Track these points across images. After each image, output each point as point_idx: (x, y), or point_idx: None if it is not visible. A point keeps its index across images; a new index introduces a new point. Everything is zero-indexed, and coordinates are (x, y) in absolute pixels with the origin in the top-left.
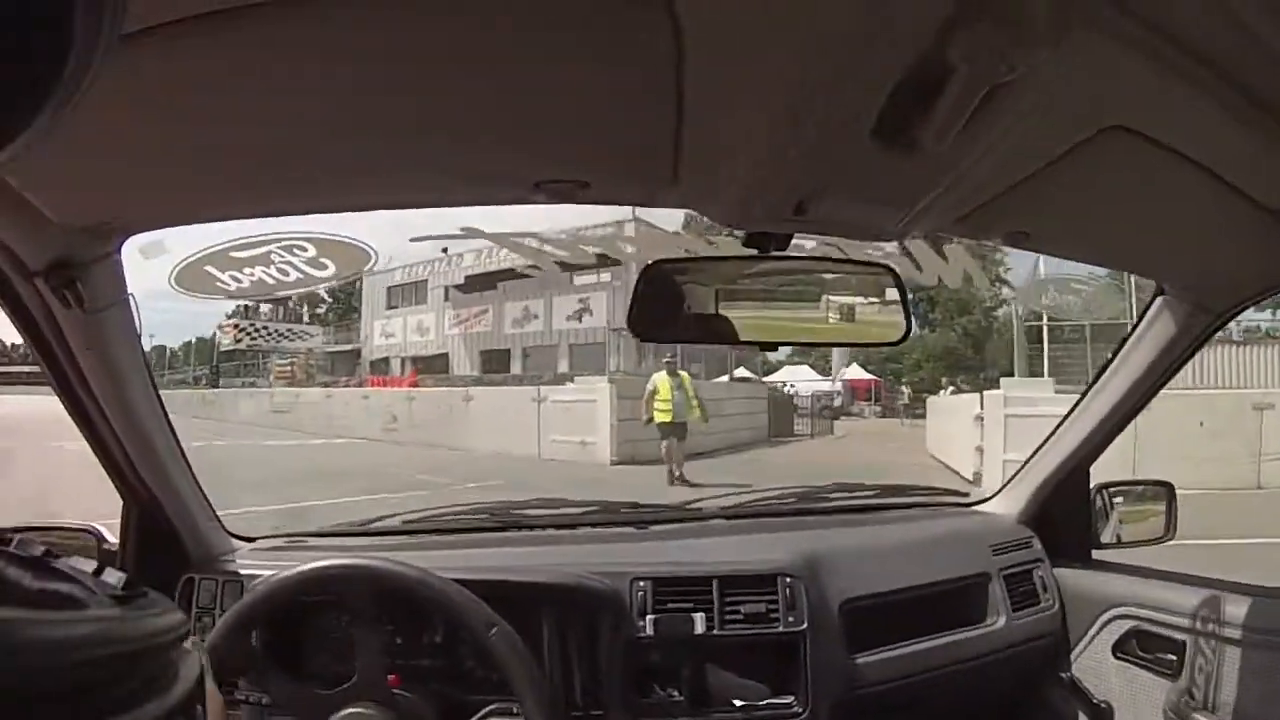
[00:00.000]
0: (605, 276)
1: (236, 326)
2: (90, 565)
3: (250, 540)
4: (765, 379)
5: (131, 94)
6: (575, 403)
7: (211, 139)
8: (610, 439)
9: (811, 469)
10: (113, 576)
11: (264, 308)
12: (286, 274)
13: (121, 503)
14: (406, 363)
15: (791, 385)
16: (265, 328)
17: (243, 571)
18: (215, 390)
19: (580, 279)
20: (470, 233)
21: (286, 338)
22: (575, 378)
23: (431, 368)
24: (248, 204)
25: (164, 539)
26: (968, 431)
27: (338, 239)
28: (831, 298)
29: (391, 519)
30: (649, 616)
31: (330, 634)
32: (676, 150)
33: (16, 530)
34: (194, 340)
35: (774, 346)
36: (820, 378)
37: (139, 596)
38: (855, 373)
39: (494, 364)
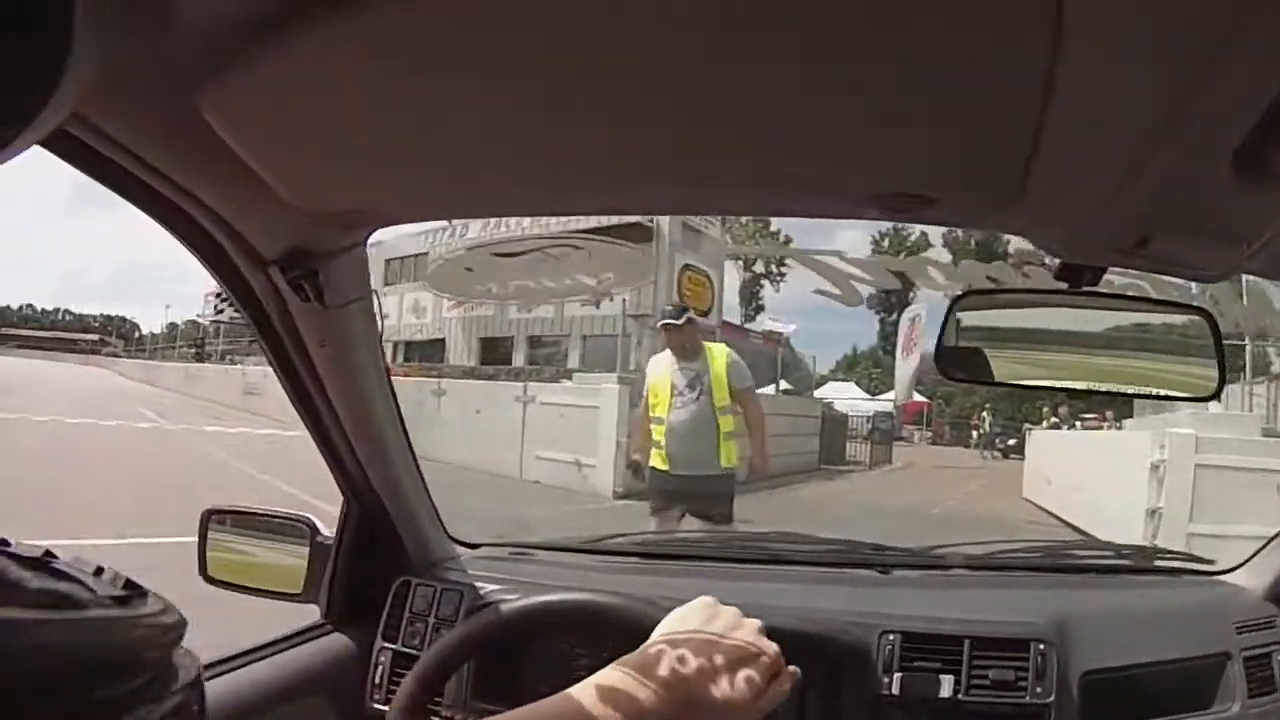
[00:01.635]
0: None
1: (219, 295)
2: (90, 565)
3: (473, 547)
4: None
5: (384, 70)
6: (570, 407)
7: (487, 124)
8: (614, 461)
9: (911, 521)
10: (113, 576)
11: None
12: (558, 282)
13: (341, 498)
14: (399, 347)
15: (834, 404)
16: None
17: (462, 581)
18: (199, 365)
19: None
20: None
21: None
22: (574, 374)
23: (425, 354)
24: (525, 201)
25: (383, 539)
26: (1114, 480)
27: (620, 245)
28: (1140, 342)
29: (623, 537)
30: (896, 674)
31: (550, 658)
32: (1027, 169)
33: (237, 513)
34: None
35: (1085, 394)
36: (867, 397)
37: (139, 596)
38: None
39: (494, 354)
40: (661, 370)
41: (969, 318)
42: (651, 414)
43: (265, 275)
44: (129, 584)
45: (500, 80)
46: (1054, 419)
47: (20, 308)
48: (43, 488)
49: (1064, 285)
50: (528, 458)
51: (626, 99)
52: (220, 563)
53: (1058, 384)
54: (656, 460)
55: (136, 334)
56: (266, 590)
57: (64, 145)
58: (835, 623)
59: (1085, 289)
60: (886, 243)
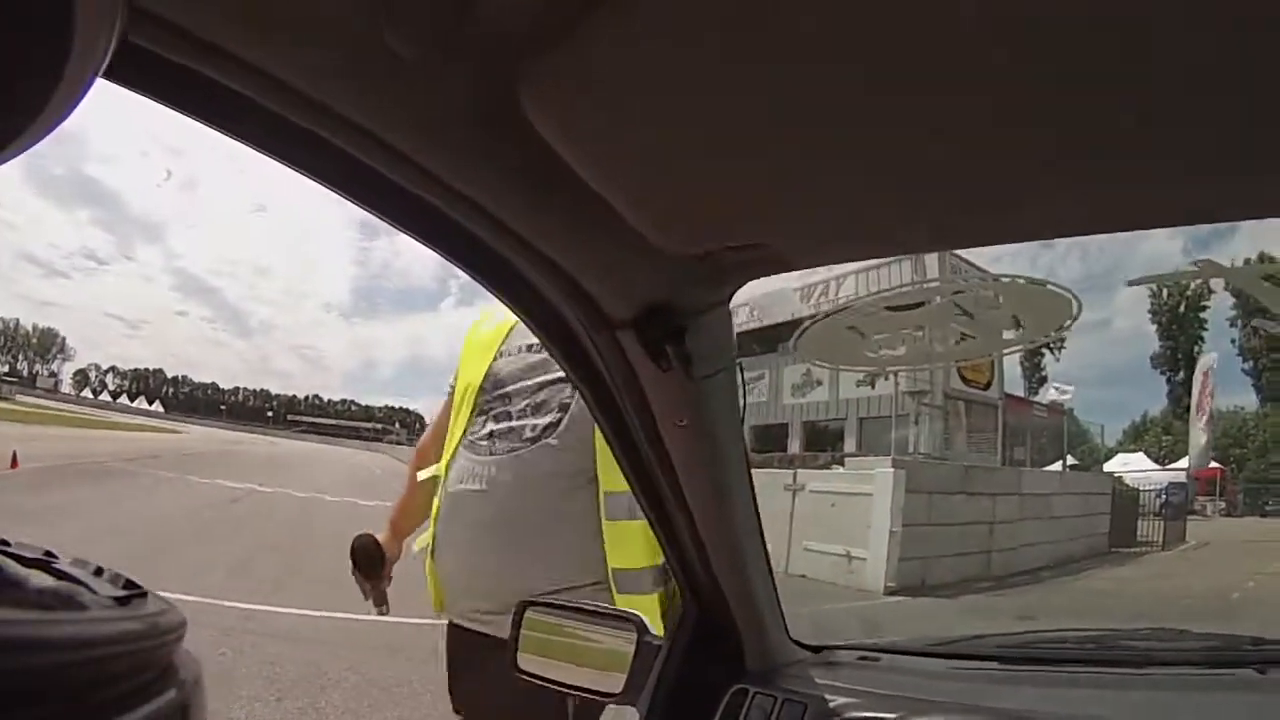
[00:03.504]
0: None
1: None
2: (90, 565)
3: (816, 650)
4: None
5: (760, 61)
6: (841, 495)
7: (890, 140)
8: (887, 553)
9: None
10: (113, 577)
11: None
12: (956, 335)
13: (677, 592)
14: None
15: (1123, 478)
16: None
17: (806, 690)
18: None
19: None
20: (1206, 270)
21: None
22: (847, 459)
23: None
24: (942, 232)
25: (719, 638)
26: None
27: (1036, 285)
28: None
29: (979, 639)
30: None
31: None
32: None
33: (556, 606)
34: None
35: None
36: (1157, 467)
37: (139, 597)
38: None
39: (767, 442)
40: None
41: None
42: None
43: (613, 337)
44: (129, 584)
45: (913, 89)
46: None
47: (307, 397)
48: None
49: None
50: (795, 549)
51: (1060, 103)
52: (533, 656)
53: None
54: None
55: (418, 424)
56: (582, 688)
57: (365, 188)
58: None
59: None
60: None
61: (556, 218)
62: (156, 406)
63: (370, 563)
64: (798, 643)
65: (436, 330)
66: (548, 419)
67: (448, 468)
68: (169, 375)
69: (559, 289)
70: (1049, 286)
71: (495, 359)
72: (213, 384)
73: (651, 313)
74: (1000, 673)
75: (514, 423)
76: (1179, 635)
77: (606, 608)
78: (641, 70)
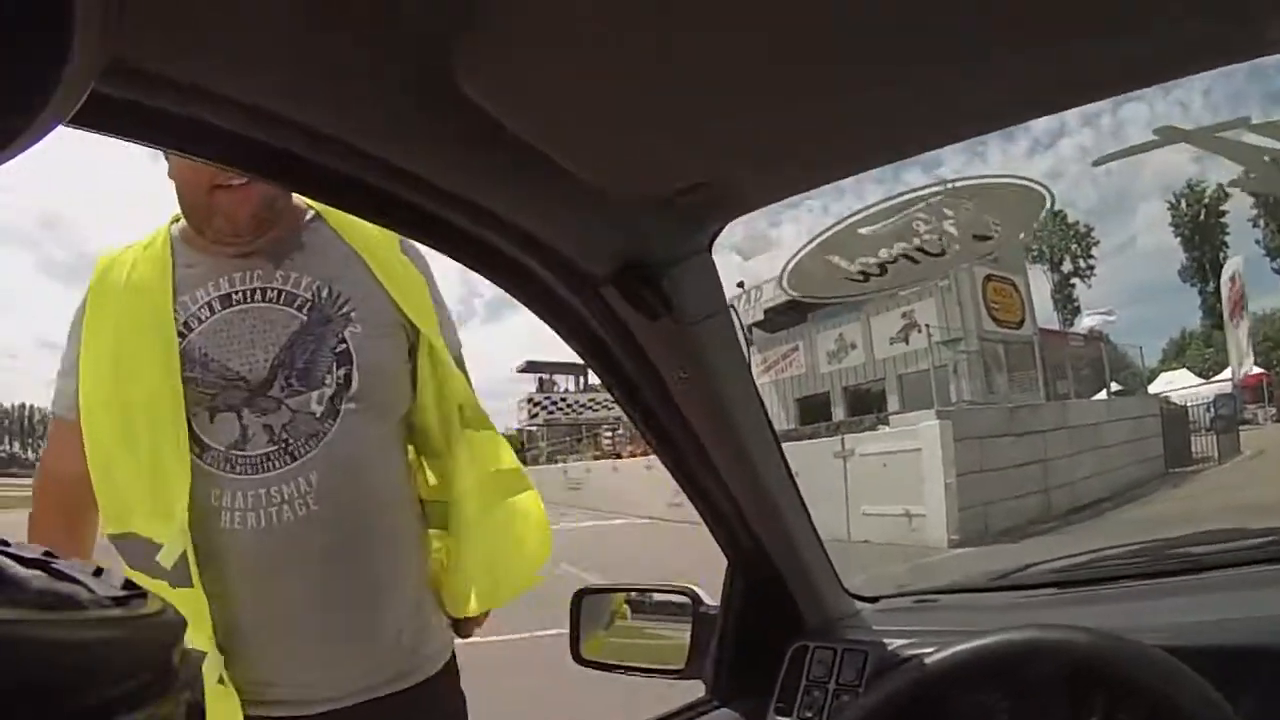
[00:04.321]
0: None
1: (531, 401)
2: (90, 565)
3: (873, 601)
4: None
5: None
6: (890, 454)
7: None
8: (945, 506)
9: None
10: (113, 577)
11: (559, 380)
12: (936, 246)
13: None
14: None
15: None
16: (563, 399)
17: (865, 639)
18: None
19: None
20: (1166, 135)
21: (589, 408)
22: (891, 418)
23: None
24: (893, 144)
25: (773, 601)
26: None
27: (1001, 182)
28: None
29: (1036, 567)
30: None
31: (970, 717)
32: None
33: (611, 590)
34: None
35: None
36: (1200, 380)
37: (139, 597)
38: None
39: (812, 412)
40: None
41: None
42: None
43: (599, 296)
44: (128, 584)
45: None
46: None
47: None
48: None
49: None
50: (854, 515)
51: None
52: (595, 643)
53: None
54: None
55: None
56: (646, 668)
57: (336, 188)
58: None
59: None
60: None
61: (514, 185)
62: None
63: None
64: (854, 595)
65: (468, 350)
66: (330, 380)
67: (184, 517)
68: None
69: (534, 256)
70: (1014, 181)
71: (186, 332)
72: None
73: (629, 266)
74: (1057, 597)
75: (289, 402)
76: (1233, 535)
77: (660, 585)
78: (567, 27)
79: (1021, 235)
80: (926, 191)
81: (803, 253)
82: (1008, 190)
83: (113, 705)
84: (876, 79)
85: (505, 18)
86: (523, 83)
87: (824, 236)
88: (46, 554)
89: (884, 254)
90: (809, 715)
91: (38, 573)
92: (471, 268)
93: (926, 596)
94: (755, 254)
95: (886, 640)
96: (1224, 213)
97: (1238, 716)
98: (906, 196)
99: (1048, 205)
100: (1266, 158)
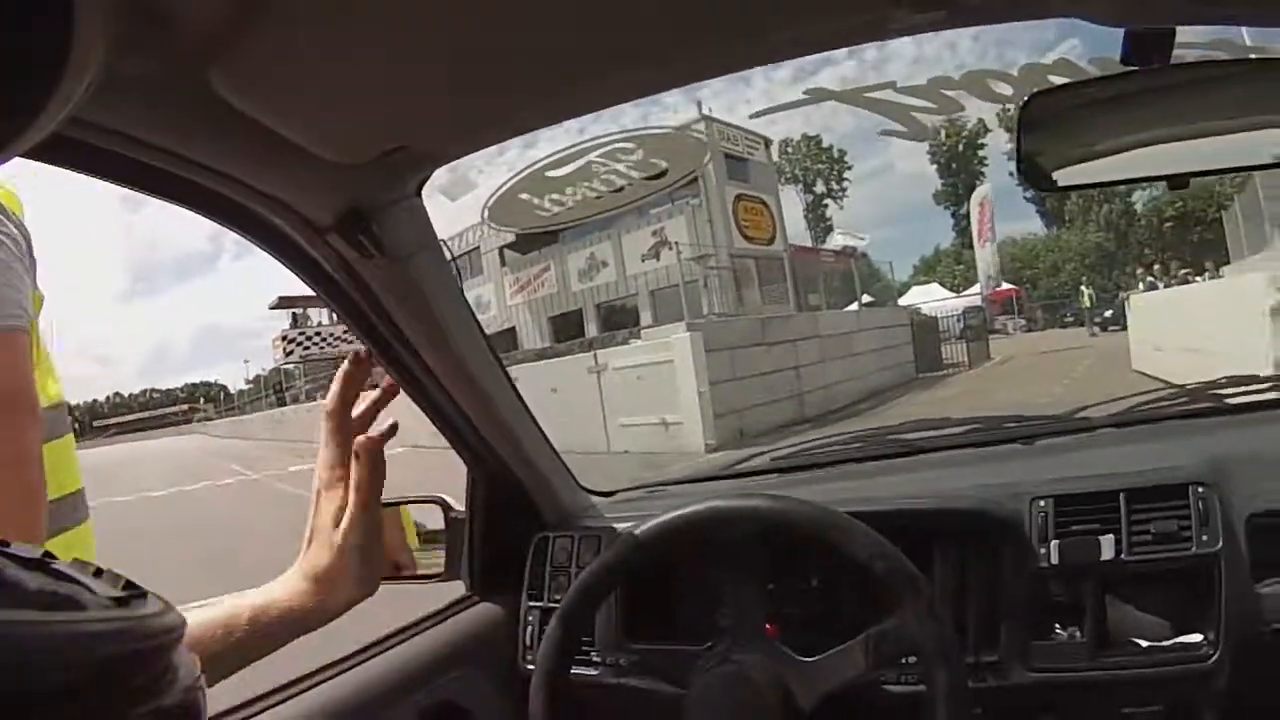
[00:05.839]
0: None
1: (285, 338)
2: (89, 566)
3: (609, 495)
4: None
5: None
6: (645, 367)
7: (500, 33)
8: (700, 413)
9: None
10: (112, 577)
11: (314, 314)
12: (614, 184)
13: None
14: None
15: (920, 308)
16: (318, 334)
17: (600, 526)
18: (280, 409)
19: (656, 206)
20: (816, 95)
21: (346, 340)
22: (643, 332)
23: (500, 348)
24: (556, 105)
25: (515, 503)
26: (1229, 332)
27: (664, 131)
28: (1245, 107)
29: (758, 458)
30: (1052, 542)
31: (695, 586)
32: None
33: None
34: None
35: (1190, 178)
36: (953, 295)
37: (138, 597)
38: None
39: (566, 330)
40: None
41: (1043, 123)
42: None
43: (326, 243)
44: (128, 584)
45: None
46: (1149, 279)
47: (109, 398)
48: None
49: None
50: (612, 428)
51: None
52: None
53: (1176, 169)
54: None
55: (223, 395)
56: (414, 575)
57: (88, 157)
58: (981, 498)
59: (1160, 66)
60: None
61: (257, 161)
62: None
63: None
64: (590, 491)
65: (221, 291)
66: None
67: None
68: None
69: (274, 212)
70: (675, 130)
71: None
72: None
73: (346, 214)
74: (776, 482)
75: None
76: (940, 424)
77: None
78: (294, 44)
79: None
80: (604, 139)
81: (499, 192)
82: (673, 137)
83: (113, 705)
84: (543, 45)
85: (243, 26)
86: (260, 77)
87: (516, 179)
88: (46, 555)
89: (569, 191)
90: (558, 598)
91: (37, 573)
92: (226, 226)
93: (657, 487)
94: (460, 195)
95: (617, 525)
96: (982, 145)
97: (926, 571)
98: (586, 144)
99: (707, 153)
100: (912, 112)
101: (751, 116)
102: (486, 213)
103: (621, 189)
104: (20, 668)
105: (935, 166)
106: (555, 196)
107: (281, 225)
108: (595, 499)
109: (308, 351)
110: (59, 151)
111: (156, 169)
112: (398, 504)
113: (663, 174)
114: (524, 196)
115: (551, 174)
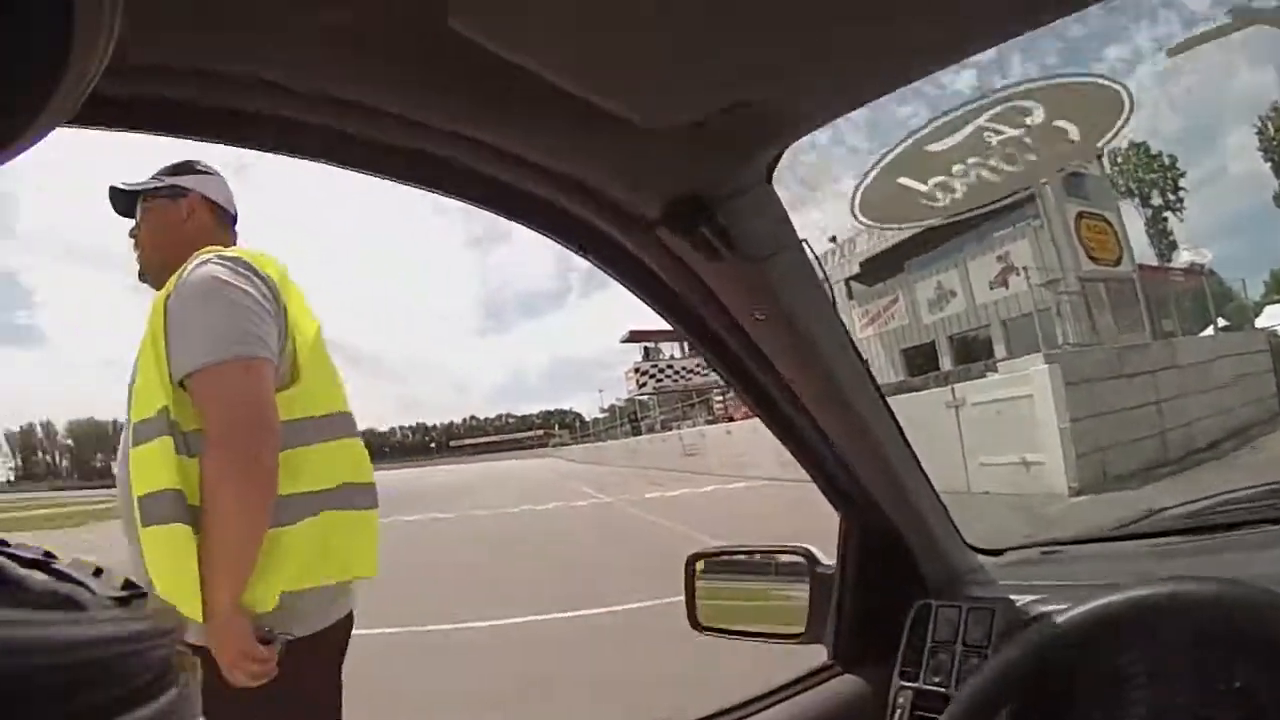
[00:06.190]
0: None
1: (638, 370)
2: (90, 565)
3: (997, 554)
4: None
5: None
6: (1003, 402)
7: None
8: (1062, 451)
9: None
10: (113, 578)
11: (665, 348)
12: (1012, 160)
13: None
14: None
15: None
16: (670, 366)
17: (991, 595)
18: (635, 438)
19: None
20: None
21: (697, 373)
22: (999, 364)
23: None
24: (932, 53)
25: (891, 557)
26: None
27: (1075, 81)
28: None
29: (1163, 514)
30: None
31: (1103, 680)
32: None
33: (725, 553)
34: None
35: None
36: None
37: (139, 597)
38: None
39: (919, 363)
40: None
41: None
42: None
43: (653, 237)
44: (128, 584)
45: None
46: None
47: (464, 420)
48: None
49: None
50: (973, 467)
51: None
52: (711, 609)
53: None
54: None
55: (578, 422)
56: (765, 634)
57: (390, 161)
58: None
59: None
60: None
61: (531, 122)
62: None
63: None
64: (976, 549)
65: (569, 326)
66: None
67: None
68: None
69: (574, 198)
70: (1085, 80)
71: None
72: (369, 429)
73: (681, 202)
74: (1188, 544)
75: None
76: None
77: (774, 546)
78: None
79: (1104, 140)
80: (990, 100)
81: (869, 178)
82: (1081, 89)
83: (114, 705)
84: None
85: None
86: (521, 8)
87: (888, 159)
88: (46, 554)
89: (958, 170)
90: (936, 679)
91: (38, 573)
92: (509, 218)
93: (1052, 548)
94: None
95: (1014, 596)
96: None
97: None
98: (970, 108)
99: (1127, 107)
100: None
101: (1170, 52)
102: (857, 206)
103: (1020, 167)
104: (20, 667)
105: (1270, 164)
106: (941, 180)
107: (585, 214)
108: (982, 558)
109: (660, 384)
110: (350, 151)
111: (419, 154)
112: (759, 552)
113: (1069, 142)
114: (903, 181)
115: (934, 148)
